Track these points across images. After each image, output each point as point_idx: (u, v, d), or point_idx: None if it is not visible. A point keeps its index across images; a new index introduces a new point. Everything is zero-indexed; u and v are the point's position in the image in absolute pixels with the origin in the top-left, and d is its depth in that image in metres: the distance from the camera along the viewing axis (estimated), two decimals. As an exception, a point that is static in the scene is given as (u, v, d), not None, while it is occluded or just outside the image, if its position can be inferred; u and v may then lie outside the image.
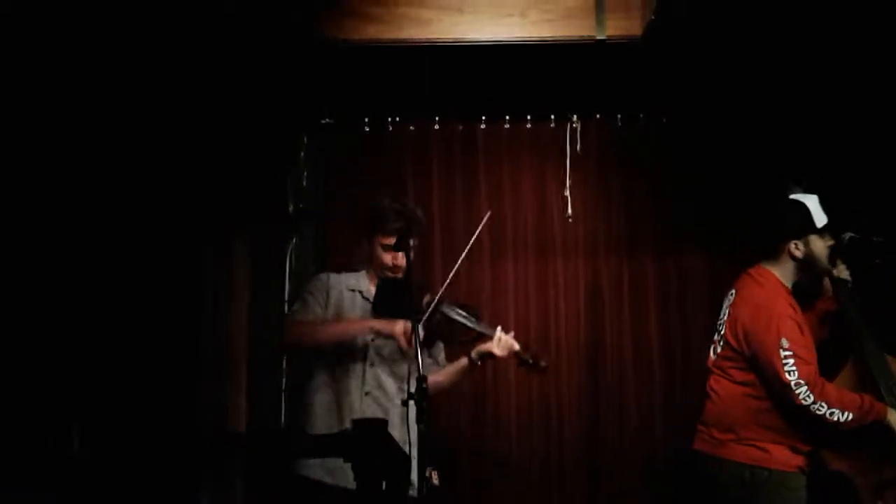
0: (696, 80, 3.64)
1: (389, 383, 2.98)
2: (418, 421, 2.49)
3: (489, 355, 2.96)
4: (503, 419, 3.79)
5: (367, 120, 3.84)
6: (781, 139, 3.82)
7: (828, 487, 2.87)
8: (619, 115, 3.90)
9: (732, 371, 2.91)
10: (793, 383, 2.71)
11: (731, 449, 2.86)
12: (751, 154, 3.85)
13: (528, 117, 3.89)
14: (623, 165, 3.95)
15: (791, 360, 2.71)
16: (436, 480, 2.54)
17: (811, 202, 2.87)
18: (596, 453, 3.79)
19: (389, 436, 2.41)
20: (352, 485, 2.45)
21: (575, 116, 3.88)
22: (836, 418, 2.71)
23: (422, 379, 2.53)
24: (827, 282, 3.04)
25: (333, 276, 3.09)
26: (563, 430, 3.80)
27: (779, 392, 2.78)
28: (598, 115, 3.90)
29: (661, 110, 3.86)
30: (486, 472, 3.74)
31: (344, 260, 3.22)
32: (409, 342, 2.78)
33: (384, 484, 2.25)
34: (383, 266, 3.00)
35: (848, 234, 2.91)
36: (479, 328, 3.00)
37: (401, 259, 2.92)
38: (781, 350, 2.72)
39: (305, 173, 3.90)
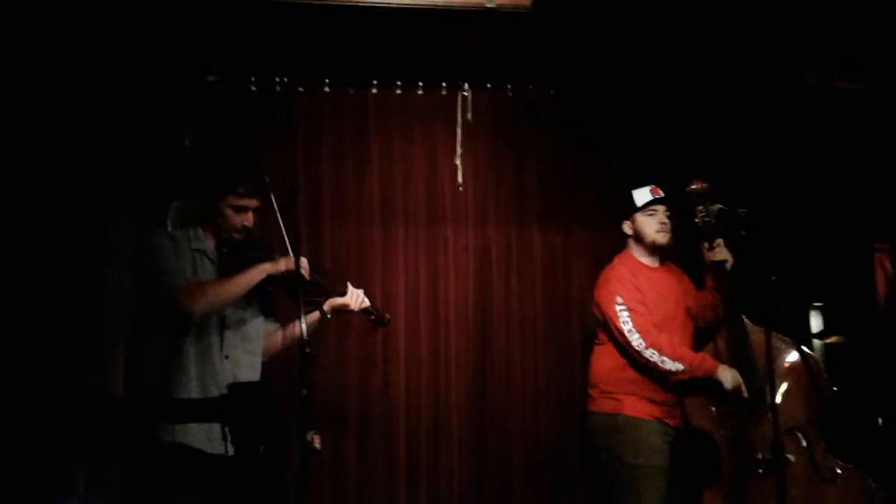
0: (585, 52, 3.72)
1: (241, 346, 2.90)
2: (301, 385, 2.47)
3: (342, 310, 2.95)
4: (392, 381, 3.80)
5: (253, 79, 3.73)
6: (666, 113, 3.96)
7: (692, 441, 3.07)
8: (509, 86, 3.94)
9: (598, 335, 3.29)
10: (626, 331, 3.08)
11: (596, 402, 3.23)
12: (637, 128, 3.97)
13: (420, 84, 3.88)
14: (513, 135, 3.99)
15: (626, 313, 3.09)
16: (317, 444, 2.53)
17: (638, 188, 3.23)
18: (483, 413, 3.85)
19: (266, 399, 2.37)
20: (230, 450, 2.40)
21: (466, 85, 3.89)
22: (668, 367, 3.03)
23: (305, 343, 2.51)
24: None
25: (175, 234, 2.94)
26: (451, 392, 3.84)
27: (621, 343, 3.10)
28: (489, 85, 3.93)
29: (549, 82, 3.93)
30: (375, 433, 3.75)
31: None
32: (308, 274, 2.78)
33: (260, 447, 2.22)
34: (232, 227, 2.86)
35: (717, 206, 3.07)
36: (332, 286, 2.99)
37: (250, 220, 2.85)
38: (616, 305, 3.12)
39: (189, 133, 3.75)
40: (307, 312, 2.74)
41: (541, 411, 3.86)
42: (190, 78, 3.67)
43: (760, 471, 2.83)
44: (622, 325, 3.11)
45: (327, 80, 3.79)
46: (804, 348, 3.09)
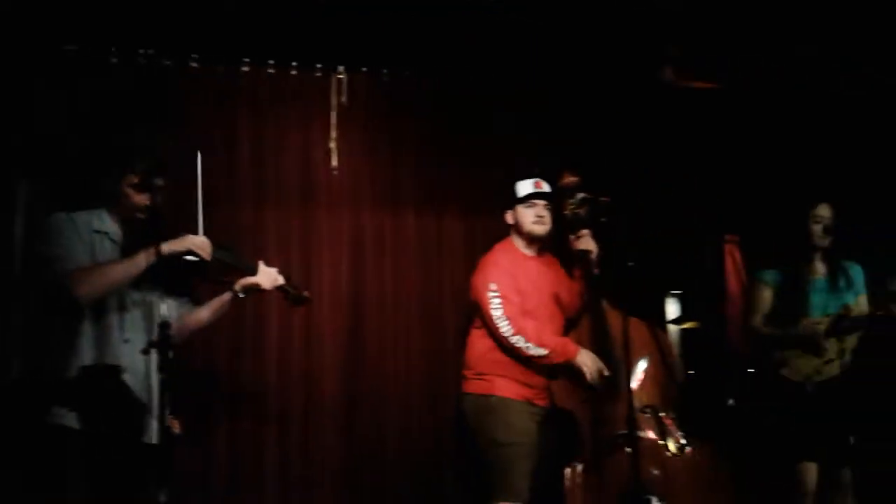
0: (460, 39, 3.76)
1: (145, 329, 2.79)
2: (160, 370, 2.39)
3: (254, 288, 2.89)
4: (264, 369, 3.74)
5: (114, 50, 3.54)
6: (538, 106, 4.06)
7: (558, 421, 3.22)
8: (385, 70, 3.93)
9: (474, 319, 3.33)
10: (496, 317, 3.17)
11: (469, 384, 3.30)
12: (512, 116, 4.05)
13: (294, 64, 3.80)
14: (389, 120, 3.99)
15: (497, 300, 3.18)
16: (177, 429, 2.44)
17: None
18: (356, 398, 3.84)
19: (121, 382, 2.27)
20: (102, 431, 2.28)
21: (342, 67, 3.86)
22: (532, 352, 3.16)
23: (165, 325, 2.42)
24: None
25: (75, 216, 2.81)
26: (324, 378, 3.81)
27: (492, 328, 3.19)
28: (364, 68, 3.91)
29: (426, 67, 3.94)
30: (245, 418, 3.68)
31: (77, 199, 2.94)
32: (208, 255, 2.68)
33: (115, 430, 2.12)
34: (133, 207, 2.77)
35: (580, 196, 3.18)
36: (241, 265, 2.91)
37: (150, 199, 2.74)
38: (490, 291, 3.19)
39: (43, 105, 3.52)
40: (221, 292, 2.71)
41: (414, 394, 3.90)
42: (44, 47, 3.45)
43: (620, 446, 2.97)
44: (493, 311, 3.19)
45: (195, 56, 3.66)
46: (659, 332, 3.25)
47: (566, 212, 3.28)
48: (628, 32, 3.80)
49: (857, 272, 3.35)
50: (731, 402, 4.42)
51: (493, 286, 3.21)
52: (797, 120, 4.20)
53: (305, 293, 3.03)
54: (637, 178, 4.07)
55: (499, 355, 3.25)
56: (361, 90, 3.93)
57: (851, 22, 3.68)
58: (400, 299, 3.95)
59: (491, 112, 4.05)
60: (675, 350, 3.42)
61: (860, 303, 3.28)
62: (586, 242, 3.28)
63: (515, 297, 3.22)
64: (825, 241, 3.28)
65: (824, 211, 3.28)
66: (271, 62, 3.78)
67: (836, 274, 3.31)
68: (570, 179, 3.30)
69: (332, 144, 3.86)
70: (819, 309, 3.25)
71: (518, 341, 3.15)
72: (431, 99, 4.02)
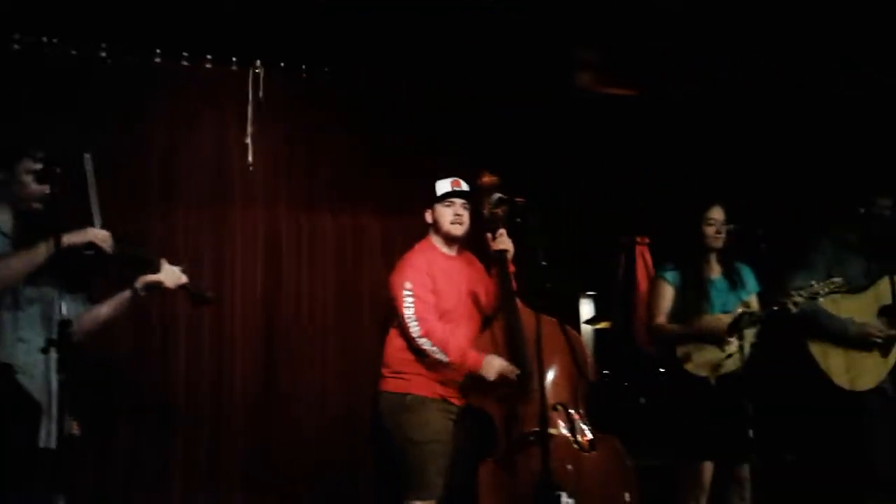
0: (378, 36, 3.75)
1: (42, 327, 2.66)
2: (59, 370, 2.30)
3: (156, 286, 2.81)
4: (172, 370, 3.65)
5: (17, 37, 3.39)
6: (460, 103, 4.08)
7: (472, 418, 3.25)
8: (304, 65, 3.89)
9: (391, 317, 3.33)
10: (407, 316, 3.18)
11: (387, 382, 3.30)
12: (432, 116, 4.06)
13: (209, 57, 3.72)
14: (307, 116, 3.94)
15: (410, 298, 3.19)
16: (76, 431, 2.35)
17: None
18: (271, 400, 3.78)
19: (14, 382, 2.17)
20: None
21: (259, 62, 3.79)
22: (436, 356, 3.17)
23: (66, 324, 2.33)
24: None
25: None
26: (236, 381, 3.74)
27: (403, 327, 3.20)
28: (282, 63, 3.85)
29: (345, 63, 3.91)
30: (149, 420, 3.58)
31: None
32: (110, 248, 2.58)
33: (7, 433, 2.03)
34: (29, 196, 2.64)
35: (496, 196, 3.21)
36: (143, 261, 2.81)
37: (48, 188, 2.62)
38: (404, 290, 3.20)
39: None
40: (121, 290, 2.62)
41: (330, 394, 3.87)
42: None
43: (532, 443, 3.00)
44: (405, 310, 3.19)
45: (104, 45, 3.54)
46: (570, 330, 3.30)
47: (484, 211, 3.31)
48: (546, 37, 3.87)
49: (747, 272, 3.49)
50: (642, 400, 4.55)
51: (407, 285, 3.22)
52: (705, 125, 4.37)
53: (209, 293, 2.96)
54: (552, 180, 4.14)
55: (415, 354, 3.24)
56: (279, 86, 3.87)
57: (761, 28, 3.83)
58: (316, 299, 3.91)
59: (410, 111, 4.05)
60: (589, 349, 3.46)
61: (752, 301, 3.42)
62: (503, 242, 3.31)
63: (430, 297, 3.23)
64: (718, 242, 3.41)
65: (717, 213, 3.41)
66: (185, 54, 3.68)
67: (730, 273, 3.45)
68: (488, 179, 3.33)
69: (248, 140, 3.79)
70: (718, 307, 3.37)
71: (424, 343, 3.16)
72: (351, 97, 3.99)
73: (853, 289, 3.48)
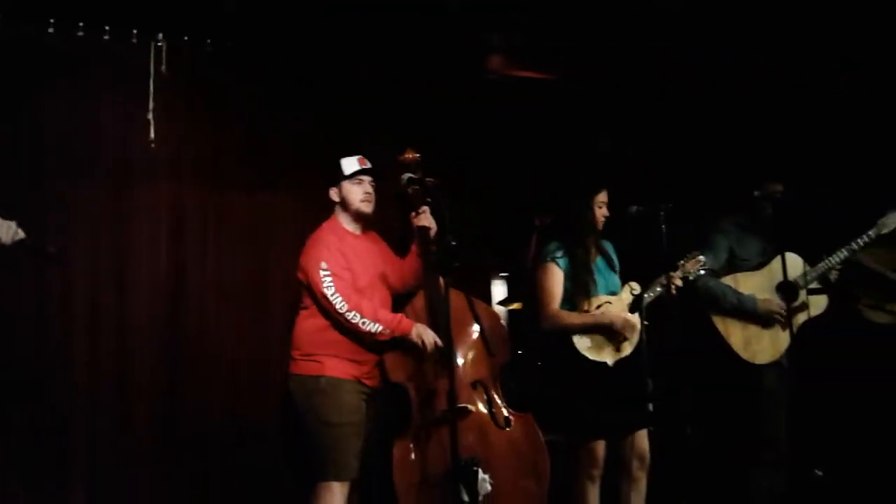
0: (291, 14, 3.66)
1: None
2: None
3: None
4: (73, 357, 3.51)
5: None
6: (372, 81, 4.02)
7: (388, 396, 3.21)
8: (209, 40, 3.76)
9: (303, 299, 3.25)
10: (329, 295, 3.12)
11: (298, 364, 3.22)
12: (343, 94, 3.99)
13: (107, 28, 3.54)
14: (213, 92, 3.82)
15: (329, 278, 3.13)
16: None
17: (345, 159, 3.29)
18: (177, 384, 3.69)
19: None
20: None
21: (161, 35, 3.64)
22: (368, 328, 3.13)
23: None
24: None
25: None
26: (140, 366, 3.62)
27: (325, 307, 3.14)
28: (186, 37, 3.71)
29: (252, 39, 3.81)
30: (46, 407, 3.43)
31: None
32: None
33: None
34: None
35: (406, 176, 3.18)
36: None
37: None
38: (321, 270, 3.13)
39: None
40: None
41: (241, 377, 3.79)
42: None
43: (447, 420, 2.99)
44: (325, 289, 3.12)
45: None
46: (484, 308, 3.30)
47: (407, 188, 3.26)
48: (460, 20, 3.86)
49: (611, 248, 3.58)
50: (547, 380, 4.61)
51: (324, 264, 3.15)
52: (613, 110, 4.46)
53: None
54: (466, 161, 4.15)
55: (329, 334, 3.19)
56: (184, 60, 3.73)
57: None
58: (225, 281, 3.80)
59: (321, 88, 3.97)
60: (504, 329, 3.47)
61: (633, 283, 3.46)
62: (425, 219, 3.29)
63: (346, 274, 3.19)
64: (601, 225, 3.48)
65: (604, 196, 3.48)
66: (81, 24, 3.50)
67: (606, 254, 3.53)
68: (410, 156, 3.28)
69: (150, 116, 3.64)
70: (602, 288, 3.44)
71: (354, 317, 3.11)
72: (259, 73, 3.88)
73: (752, 267, 3.66)
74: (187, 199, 3.77)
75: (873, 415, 3.99)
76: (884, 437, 3.94)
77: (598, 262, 3.51)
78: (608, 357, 3.37)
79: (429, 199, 3.16)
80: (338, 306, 3.11)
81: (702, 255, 3.44)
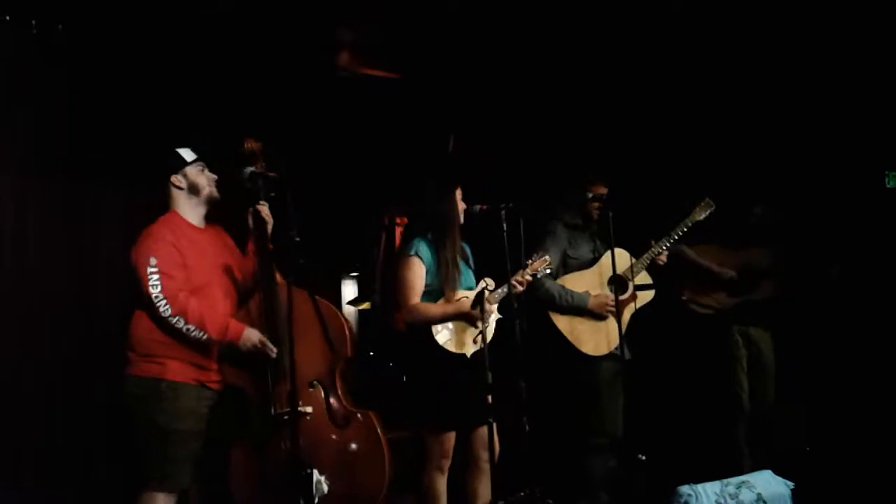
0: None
1: None
2: None
3: None
4: None
5: None
6: (210, 67, 3.90)
7: (227, 401, 3.12)
8: (34, 21, 3.52)
9: (136, 295, 3.04)
10: (153, 296, 2.95)
11: (136, 366, 3.04)
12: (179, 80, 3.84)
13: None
14: (37, 75, 3.59)
15: (156, 276, 2.96)
16: None
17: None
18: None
19: None
20: None
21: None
22: (193, 335, 2.99)
23: None
24: None
25: None
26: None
27: (147, 305, 2.97)
28: (8, 17, 3.46)
29: (81, 22, 3.60)
30: None
31: None
32: None
33: None
34: None
35: (248, 170, 3.08)
36: None
37: None
38: (150, 268, 2.96)
39: None
40: None
41: (71, 378, 3.61)
42: None
43: (286, 422, 2.92)
44: (151, 289, 2.95)
45: None
46: (325, 305, 3.24)
47: (245, 181, 3.14)
48: (309, 15, 3.80)
49: (466, 246, 3.61)
50: (404, 377, 4.61)
51: (153, 261, 2.97)
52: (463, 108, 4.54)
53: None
54: (313, 157, 4.09)
55: (168, 335, 3.02)
56: (5, 42, 3.47)
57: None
58: (47, 278, 3.57)
59: (156, 73, 3.80)
60: (347, 326, 3.41)
61: (488, 280, 3.51)
62: (264, 214, 3.18)
63: (179, 272, 3.02)
64: (462, 219, 3.53)
65: (460, 193, 3.52)
66: None
67: (462, 250, 3.57)
68: (250, 146, 3.17)
69: (-36, 98, 3.36)
70: (463, 283, 3.48)
71: (177, 322, 2.95)
72: (86, 58, 3.67)
73: (583, 265, 3.87)
74: (6, 191, 3.51)
75: (695, 399, 4.28)
76: (701, 420, 4.22)
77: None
78: (467, 349, 3.41)
79: (272, 194, 3.07)
80: (161, 310, 2.94)
81: (547, 255, 3.54)
